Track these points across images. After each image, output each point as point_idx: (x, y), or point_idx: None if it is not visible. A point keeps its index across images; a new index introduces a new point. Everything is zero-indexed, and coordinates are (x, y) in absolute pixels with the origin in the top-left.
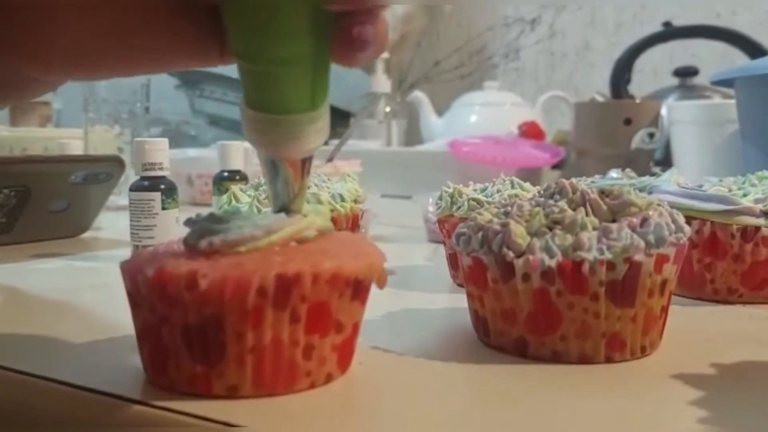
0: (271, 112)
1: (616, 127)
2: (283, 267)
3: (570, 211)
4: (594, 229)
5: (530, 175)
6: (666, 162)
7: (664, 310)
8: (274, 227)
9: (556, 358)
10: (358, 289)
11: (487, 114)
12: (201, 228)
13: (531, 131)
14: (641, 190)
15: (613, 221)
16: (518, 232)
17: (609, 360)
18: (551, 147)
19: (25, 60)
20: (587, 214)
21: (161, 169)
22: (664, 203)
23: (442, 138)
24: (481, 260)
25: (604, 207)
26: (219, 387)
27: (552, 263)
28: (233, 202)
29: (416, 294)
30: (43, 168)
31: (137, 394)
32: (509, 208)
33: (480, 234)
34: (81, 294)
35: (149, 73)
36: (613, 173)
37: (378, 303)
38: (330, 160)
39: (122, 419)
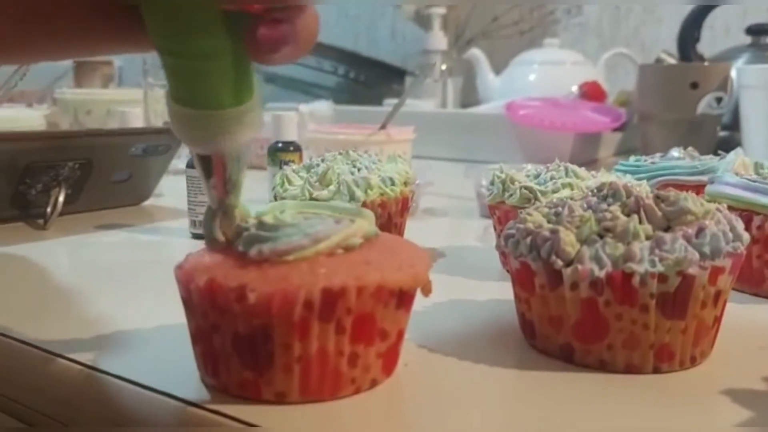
0: (194, 108)
1: (682, 91)
2: (329, 280)
3: (623, 218)
4: (647, 238)
5: (590, 139)
6: (734, 127)
7: (717, 319)
8: (321, 235)
9: (603, 366)
10: (403, 299)
11: (546, 73)
12: (251, 235)
13: (592, 92)
14: (702, 173)
15: (668, 228)
16: (568, 240)
17: (656, 370)
18: (612, 110)
19: None
20: (641, 221)
21: None
22: (723, 207)
23: (500, 98)
24: (529, 265)
25: (659, 213)
26: (268, 393)
27: (601, 274)
28: (285, 184)
29: (465, 281)
30: (104, 141)
31: (190, 395)
32: (560, 209)
33: (529, 239)
34: (141, 272)
35: (75, 57)
36: (675, 152)
37: None
38: (383, 126)
39: (175, 419)
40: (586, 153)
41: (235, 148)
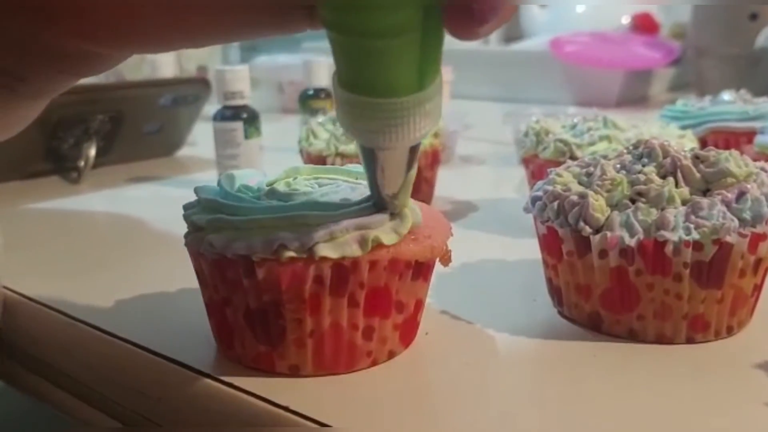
0: (369, 95)
1: (740, 23)
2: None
3: (657, 181)
4: (683, 202)
5: (640, 76)
6: None
7: (758, 287)
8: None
9: (632, 336)
10: (420, 270)
11: (596, 3)
12: None
13: (644, 24)
14: (754, 119)
15: (707, 190)
16: (597, 205)
17: (690, 341)
18: (665, 44)
19: (76, 36)
20: (677, 183)
21: (242, 97)
22: None
23: (546, 31)
24: (555, 231)
25: (698, 175)
26: (282, 366)
27: (632, 242)
28: (311, 138)
29: (496, 238)
30: (133, 93)
31: (207, 367)
32: (592, 169)
33: (556, 203)
34: (171, 230)
35: (225, 42)
36: (725, 95)
37: (456, 251)
38: None
39: (191, 390)
40: (636, 90)
41: (408, 141)
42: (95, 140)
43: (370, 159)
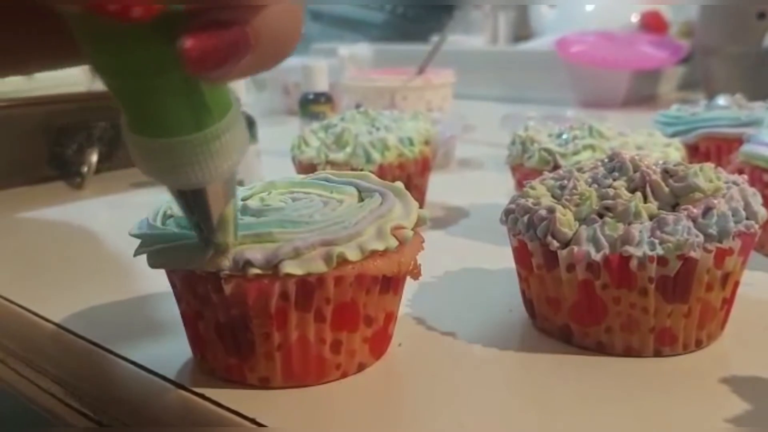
0: (152, 136)
1: (747, 22)
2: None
3: (625, 196)
4: (651, 217)
5: (647, 76)
6: None
7: (727, 301)
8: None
9: (601, 348)
10: (388, 284)
11: (605, 2)
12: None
13: (652, 23)
14: (746, 125)
15: (677, 204)
16: (564, 220)
17: (658, 354)
18: (672, 43)
19: None
20: (645, 198)
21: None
22: (742, 180)
23: (554, 31)
24: (526, 244)
25: (666, 189)
26: (252, 378)
27: (598, 257)
28: (302, 146)
29: (482, 247)
30: None
31: (182, 377)
32: (566, 182)
33: (526, 217)
34: None
35: (13, 75)
36: (720, 100)
37: (439, 259)
38: (421, 71)
39: (163, 401)
40: (643, 90)
41: (206, 179)
42: (98, 146)
43: (178, 198)
